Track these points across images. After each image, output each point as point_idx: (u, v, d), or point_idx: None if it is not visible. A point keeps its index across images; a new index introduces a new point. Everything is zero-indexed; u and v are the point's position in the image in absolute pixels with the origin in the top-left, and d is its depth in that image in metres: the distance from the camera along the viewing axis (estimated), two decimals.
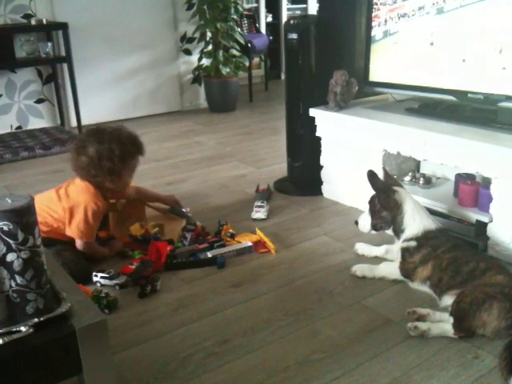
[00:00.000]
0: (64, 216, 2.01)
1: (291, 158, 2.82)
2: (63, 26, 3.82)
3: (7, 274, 0.99)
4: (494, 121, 2.07)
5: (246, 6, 5.79)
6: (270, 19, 6.16)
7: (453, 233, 2.02)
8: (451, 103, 2.25)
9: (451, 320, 1.56)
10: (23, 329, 0.99)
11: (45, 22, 3.85)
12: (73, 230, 2.00)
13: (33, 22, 3.87)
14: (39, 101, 4.22)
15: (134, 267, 1.95)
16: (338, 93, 2.46)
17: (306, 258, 2.08)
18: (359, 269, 1.93)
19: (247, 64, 4.81)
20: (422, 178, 2.33)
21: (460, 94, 2.17)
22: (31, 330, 0.99)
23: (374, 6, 2.42)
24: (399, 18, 2.34)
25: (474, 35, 2.08)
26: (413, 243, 1.85)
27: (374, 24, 2.44)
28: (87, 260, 2.01)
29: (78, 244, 2.01)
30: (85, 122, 4.08)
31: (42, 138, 3.79)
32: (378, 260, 2.00)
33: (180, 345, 1.58)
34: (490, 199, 1.97)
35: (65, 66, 4.02)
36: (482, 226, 2.02)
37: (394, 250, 1.96)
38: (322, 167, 2.67)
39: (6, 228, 0.96)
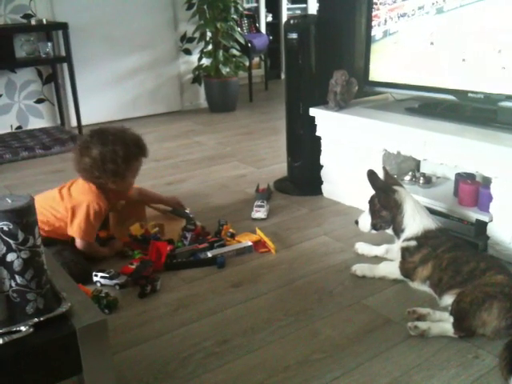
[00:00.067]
0: (66, 215, 2.01)
1: (291, 157, 2.83)
2: (63, 26, 3.82)
3: (7, 273, 1.00)
4: (494, 120, 2.07)
5: (246, 6, 5.79)
6: (270, 19, 6.16)
7: (453, 232, 2.02)
8: (451, 103, 2.25)
9: (451, 319, 1.56)
10: (23, 329, 0.99)
11: (45, 21, 3.85)
12: (74, 229, 2.00)
13: (33, 21, 3.87)
14: (39, 101, 4.22)
15: (134, 267, 1.95)
16: (338, 92, 2.46)
17: (306, 258, 2.08)
18: (359, 268, 1.93)
19: (247, 64, 4.81)
20: (422, 178, 2.33)
21: (460, 94, 2.17)
22: (31, 329, 1.00)
23: (374, 6, 2.42)
24: (399, 17, 2.34)
25: (474, 35, 2.08)
26: (413, 243, 1.85)
27: (373, 24, 2.44)
28: (87, 260, 2.01)
29: (78, 243, 2.01)
30: (85, 121, 4.09)
31: (42, 138, 3.79)
32: (378, 259, 2.00)
33: (180, 345, 1.58)
34: (490, 199, 1.97)
35: (65, 65, 4.02)
36: (482, 226, 2.02)
37: (394, 249, 1.96)
38: (322, 167, 2.67)
39: (6, 228, 0.96)
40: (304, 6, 6.31)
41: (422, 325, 1.58)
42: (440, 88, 2.23)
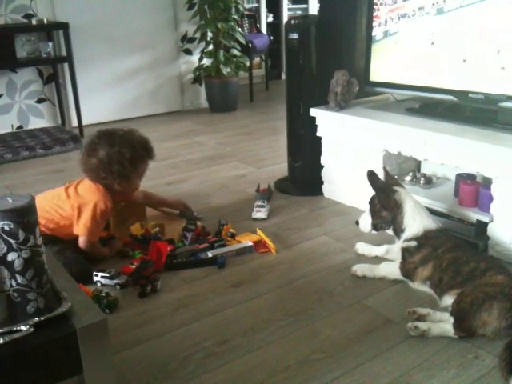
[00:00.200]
0: (71, 214, 2.01)
1: (292, 157, 2.83)
2: (64, 26, 3.82)
3: (8, 273, 1.00)
4: (494, 121, 2.07)
5: (247, 6, 5.79)
6: (270, 19, 6.16)
7: (453, 233, 2.02)
8: (452, 103, 2.25)
9: (451, 320, 1.56)
10: (24, 328, 0.99)
11: (46, 21, 3.85)
12: (80, 228, 2.00)
13: (34, 21, 3.87)
14: (40, 100, 4.22)
15: (134, 267, 1.95)
16: (339, 93, 2.46)
17: (307, 258, 2.08)
18: (359, 268, 1.93)
19: (248, 64, 4.81)
20: (422, 178, 2.33)
21: (460, 94, 2.17)
22: (32, 329, 1.00)
23: (375, 7, 2.42)
24: (399, 18, 2.35)
25: (474, 35, 2.08)
26: (413, 243, 1.85)
27: (374, 24, 2.44)
28: (88, 260, 2.01)
29: (81, 242, 2.01)
30: (85, 121, 4.09)
31: (43, 138, 3.79)
32: (378, 260, 2.00)
33: (180, 345, 1.58)
34: (491, 199, 1.97)
35: (65, 65, 4.02)
36: (482, 226, 2.02)
37: (395, 249, 1.96)
38: (322, 167, 2.67)
39: (6, 227, 0.96)
40: (305, 6, 6.31)
41: (422, 325, 1.58)
42: (440, 88, 2.23)
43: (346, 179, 2.54)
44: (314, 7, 6.21)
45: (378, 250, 2.05)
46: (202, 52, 4.67)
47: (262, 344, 1.57)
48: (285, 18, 6.00)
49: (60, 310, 1.04)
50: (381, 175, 2.03)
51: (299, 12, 6.22)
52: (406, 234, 1.89)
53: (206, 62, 4.69)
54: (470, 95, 2.13)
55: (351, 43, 2.73)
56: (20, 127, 4.15)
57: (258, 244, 2.17)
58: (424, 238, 1.84)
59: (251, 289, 1.88)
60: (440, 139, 2.07)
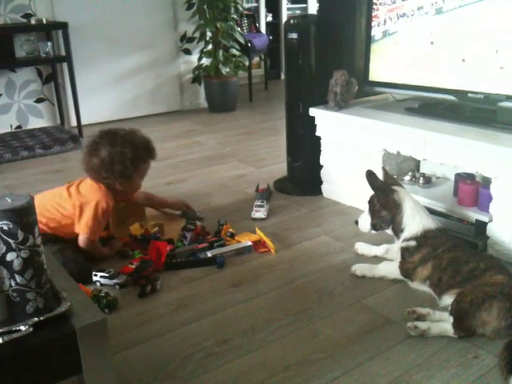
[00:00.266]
0: (73, 213, 2.01)
1: (291, 157, 2.82)
2: (63, 26, 3.82)
3: (7, 273, 0.99)
4: (493, 120, 2.07)
5: (246, 6, 5.79)
6: (269, 19, 6.16)
7: (452, 232, 2.02)
8: (451, 103, 2.25)
9: (451, 319, 1.56)
10: (23, 328, 0.99)
11: (45, 21, 3.85)
12: (82, 227, 2.00)
13: (33, 21, 3.87)
14: (39, 100, 4.22)
15: (133, 267, 1.94)
16: (338, 92, 2.46)
17: (306, 258, 2.08)
18: (359, 268, 1.93)
19: (247, 64, 4.81)
20: (421, 178, 2.33)
21: (460, 94, 2.17)
22: (31, 329, 0.99)
23: (374, 6, 2.42)
24: (398, 18, 2.35)
25: (473, 35, 2.08)
26: (412, 243, 1.85)
27: (373, 24, 2.44)
28: (87, 260, 2.01)
29: (82, 241, 2.01)
30: (85, 121, 4.09)
31: (42, 138, 3.79)
32: (377, 259, 2.00)
33: (180, 345, 1.58)
34: (490, 199, 1.97)
35: (65, 65, 4.02)
36: (481, 226, 2.02)
37: (394, 249, 1.96)
38: (321, 167, 2.67)
39: (5, 227, 0.96)
40: (304, 5, 6.31)
41: (422, 325, 1.58)
42: (440, 88, 2.23)
43: (345, 179, 2.54)
44: (313, 7, 6.21)
45: (378, 250, 2.05)
46: (202, 52, 4.66)
47: (262, 344, 1.57)
48: (284, 18, 6.00)
49: (59, 309, 1.04)
50: (380, 175, 2.03)
51: (298, 12, 6.22)
52: (406, 234, 1.89)
53: (206, 61, 4.68)
54: (469, 95, 2.13)
55: (350, 43, 2.73)
56: (19, 127, 4.15)
57: (258, 244, 2.17)
58: (423, 238, 1.84)
59: (251, 289, 1.88)
60: (439, 139, 2.07)
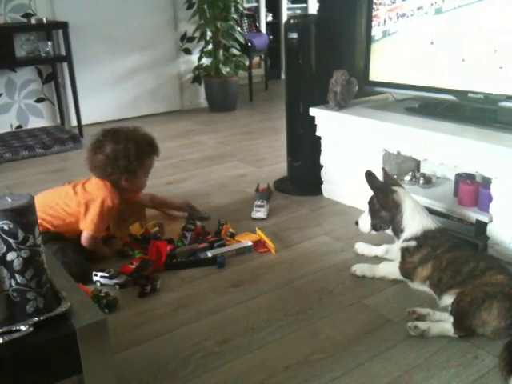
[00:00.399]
0: (77, 210, 2.02)
1: (291, 157, 2.82)
2: (63, 26, 3.82)
3: (7, 273, 0.99)
4: (494, 120, 2.07)
5: (246, 6, 5.79)
6: (270, 18, 6.16)
7: (453, 232, 2.02)
8: (451, 103, 2.25)
9: (451, 319, 1.56)
10: (23, 328, 0.99)
11: (45, 21, 3.85)
12: (87, 223, 2.01)
13: (33, 21, 3.86)
14: (39, 100, 4.22)
15: (133, 267, 1.94)
16: (339, 92, 2.46)
17: (306, 258, 2.08)
18: (359, 268, 1.93)
19: (247, 63, 4.81)
20: (422, 178, 2.33)
21: (460, 94, 2.17)
22: (31, 329, 0.99)
23: (374, 6, 2.42)
24: (398, 18, 2.35)
25: (472, 35, 2.08)
26: (412, 243, 1.85)
27: (373, 24, 2.44)
28: (87, 259, 2.01)
29: (85, 238, 2.02)
30: (85, 121, 4.09)
31: (42, 138, 3.79)
32: (377, 260, 2.00)
33: (180, 344, 1.58)
34: (490, 199, 1.97)
35: (65, 65, 4.02)
36: (481, 226, 2.02)
37: (394, 249, 1.96)
38: (322, 167, 2.67)
39: (6, 227, 0.96)
40: (304, 5, 6.31)
41: (422, 325, 1.58)
42: (440, 88, 2.23)
43: (345, 179, 2.54)
44: (313, 7, 6.21)
45: (378, 250, 2.05)
46: (202, 51, 4.66)
47: (262, 344, 1.57)
48: (284, 18, 6.01)
49: (59, 309, 1.04)
50: (380, 175, 2.03)
51: (298, 11, 6.22)
52: (406, 234, 1.89)
53: (206, 61, 4.69)
54: (469, 95, 2.13)
55: (351, 43, 2.73)
56: (19, 127, 4.15)
57: (258, 244, 2.16)
58: (423, 238, 1.84)
59: (251, 289, 1.88)
60: (439, 139, 2.07)
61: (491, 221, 1.99)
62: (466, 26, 2.11)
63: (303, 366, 1.48)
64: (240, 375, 1.45)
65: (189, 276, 1.97)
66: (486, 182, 2.06)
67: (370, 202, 1.99)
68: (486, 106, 2.11)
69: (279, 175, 2.96)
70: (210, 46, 4.65)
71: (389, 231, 1.98)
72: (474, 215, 2.04)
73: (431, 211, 2.03)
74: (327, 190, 2.68)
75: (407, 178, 2.37)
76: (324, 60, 2.61)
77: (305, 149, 2.75)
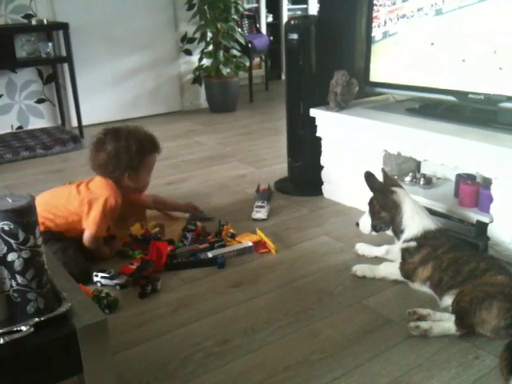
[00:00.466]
0: (80, 209, 2.03)
1: (291, 158, 2.83)
2: (64, 26, 3.82)
3: (8, 273, 1.00)
4: (494, 121, 2.07)
5: (247, 6, 5.79)
6: (270, 19, 6.16)
7: (453, 233, 2.02)
8: (452, 103, 2.25)
9: (453, 318, 1.56)
10: (24, 328, 0.99)
11: (45, 22, 3.85)
12: (90, 222, 2.02)
13: (33, 22, 3.87)
14: (40, 101, 4.22)
15: (134, 267, 1.95)
16: (339, 93, 2.46)
17: (307, 258, 2.08)
18: (359, 269, 1.93)
19: (247, 64, 4.81)
20: (422, 179, 2.33)
21: (460, 95, 2.17)
22: (32, 329, 1.00)
23: (374, 7, 2.42)
24: (398, 19, 2.35)
25: (472, 36, 2.09)
26: (413, 244, 1.85)
27: (373, 25, 2.44)
28: (88, 260, 2.01)
29: (87, 237, 2.03)
30: (85, 122, 4.09)
31: (43, 138, 3.79)
32: (378, 260, 2.00)
33: (180, 345, 1.58)
34: (491, 199, 1.97)
35: (65, 66, 4.02)
36: (482, 227, 2.02)
37: (395, 250, 1.96)
38: (322, 167, 2.67)
39: (6, 228, 0.96)
40: (304, 6, 6.32)
41: (424, 324, 1.58)
42: (440, 89, 2.23)
43: (345, 179, 2.54)
44: (313, 7, 6.21)
45: (378, 251, 2.05)
46: (202, 52, 4.67)
47: (262, 344, 1.57)
48: (284, 19, 6.01)
49: (60, 310, 1.04)
50: (380, 176, 2.03)
51: (299, 12, 6.23)
52: (406, 235, 1.89)
53: (206, 62, 4.69)
54: (469, 96, 2.13)
55: (351, 43, 2.73)
56: (20, 127, 4.15)
57: (258, 244, 2.17)
58: (423, 239, 1.84)
59: (251, 289, 1.88)
60: (440, 139, 2.07)
61: (492, 221, 1.99)
62: (466, 26, 2.11)
63: (303, 366, 1.48)
64: (240, 375, 1.45)
65: (189, 276, 1.97)
66: (487, 182, 2.06)
67: (370, 203, 1.99)
68: (486, 107, 2.11)
69: (279, 176, 2.96)
70: (211, 47, 4.65)
71: (389, 232, 1.98)
72: (475, 216, 2.04)
73: (432, 212, 2.03)
74: (327, 190, 2.68)
75: (408, 178, 2.37)
76: (324, 61, 2.61)
77: (305, 149, 2.75)
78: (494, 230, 1.98)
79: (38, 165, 3.41)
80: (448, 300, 1.65)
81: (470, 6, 2.07)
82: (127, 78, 4.51)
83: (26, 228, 0.98)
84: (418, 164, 2.52)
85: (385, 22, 2.40)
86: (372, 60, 2.48)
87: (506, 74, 1.99)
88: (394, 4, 2.35)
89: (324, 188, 2.70)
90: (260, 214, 2.43)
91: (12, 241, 0.97)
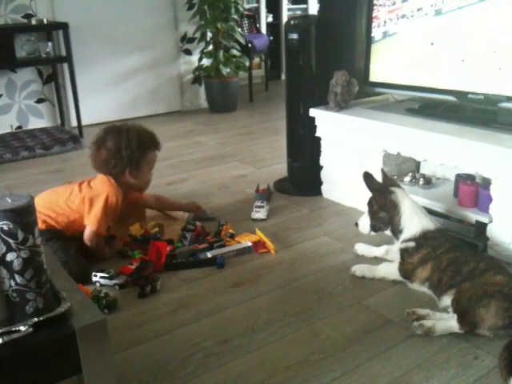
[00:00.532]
0: (82, 207, 2.04)
1: (291, 158, 2.82)
2: (64, 26, 3.82)
3: (7, 273, 0.99)
4: (494, 121, 2.07)
5: (247, 6, 5.79)
6: (270, 19, 6.16)
7: (452, 233, 2.02)
8: (451, 103, 2.25)
9: (455, 316, 1.56)
10: (23, 328, 0.99)
11: (45, 21, 3.85)
12: (91, 219, 2.03)
13: (33, 21, 3.87)
14: (39, 101, 4.22)
15: (133, 267, 1.95)
16: (339, 93, 2.46)
17: (306, 258, 2.08)
18: (359, 269, 1.93)
19: (247, 64, 4.81)
20: (421, 179, 2.33)
21: (460, 95, 2.17)
22: (31, 329, 0.99)
23: (374, 7, 2.42)
24: (398, 19, 2.35)
25: (472, 36, 2.09)
26: (411, 244, 1.85)
27: (373, 25, 2.44)
28: (88, 259, 2.01)
29: (88, 235, 2.03)
30: (85, 122, 4.09)
31: (42, 138, 3.79)
32: (377, 260, 2.00)
33: (180, 345, 1.58)
34: (490, 200, 1.97)
35: (65, 65, 4.02)
36: (481, 227, 2.02)
37: (394, 250, 1.96)
38: (321, 167, 2.67)
39: (5, 227, 0.96)
40: (304, 6, 6.32)
41: (427, 322, 1.58)
42: (440, 89, 2.23)
43: (345, 180, 2.54)
44: (313, 7, 6.21)
45: (378, 251, 2.05)
46: (202, 52, 4.67)
47: (262, 344, 1.57)
48: (284, 19, 6.00)
49: (59, 310, 1.04)
50: (380, 177, 2.03)
51: (299, 12, 6.23)
52: (404, 235, 1.88)
53: (206, 62, 4.69)
54: (469, 96, 2.13)
55: (351, 43, 2.73)
56: (19, 127, 4.15)
57: (258, 244, 2.16)
58: (422, 239, 1.84)
59: (251, 289, 1.88)
60: (439, 139, 2.07)
61: (491, 221, 1.99)
62: (465, 26, 2.11)
63: (303, 366, 1.48)
64: (240, 375, 1.45)
65: (189, 276, 1.97)
66: (486, 182, 2.06)
67: (369, 203, 1.99)
68: (485, 107, 2.11)
69: (279, 176, 2.96)
70: (211, 47, 4.65)
71: (388, 232, 1.98)
72: (474, 216, 2.04)
73: (431, 212, 2.03)
74: (327, 190, 2.68)
75: (407, 178, 2.37)
76: (324, 61, 2.61)
77: (305, 149, 2.75)
78: (493, 231, 1.98)
79: (38, 165, 3.41)
80: (447, 300, 1.65)
81: (470, 6, 2.07)
82: (127, 78, 4.51)
83: (25, 228, 0.98)
84: (418, 164, 2.52)
85: (385, 22, 2.40)
86: (372, 60, 2.48)
87: (506, 74, 1.99)
88: (393, 4, 2.35)
89: (323, 188, 2.70)
90: (259, 214, 2.43)
91: (11, 240, 0.97)
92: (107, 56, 4.37)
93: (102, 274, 1.89)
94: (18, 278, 0.99)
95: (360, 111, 2.48)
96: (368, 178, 1.96)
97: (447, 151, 2.06)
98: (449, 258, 1.74)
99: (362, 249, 2.08)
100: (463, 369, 1.45)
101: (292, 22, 2.64)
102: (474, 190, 2.07)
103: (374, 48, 2.47)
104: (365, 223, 2.00)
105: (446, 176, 2.40)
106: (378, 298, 1.80)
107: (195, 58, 4.76)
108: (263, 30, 5.99)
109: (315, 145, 2.64)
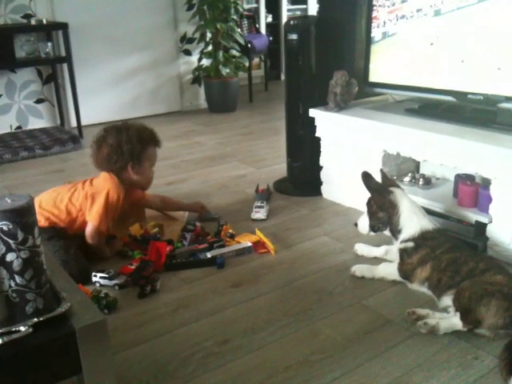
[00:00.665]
0: (84, 204, 2.05)
1: (291, 158, 2.83)
2: (63, 26, 3.82)
3: (7, 273, 0.99)
4: (493, 122, 2.07)
5: (246, 7, 5.79)
6: (269, 20, 6.16)
7: (452, 233, 2.02)
8: (451, 104, 2.25)
9: (458, 314, 1.56)
10: (22, 329, 0.99)
11: (45, 22, 3.85)
12: (93, 215, 2.04)
13: (33, 22, 3.87)
14: (39, 101, 4.22)
15: (133, 267, 1.94)
16: (338, 93, 2.46)
17: (306, 258, 2.08)
18: (358, 269, 1.93)
19: (247, 64, 4.81)
20: (421, 179, 2.33)
21: (460, 95, 2.17)
22: (30, 329, 0.99)
23: (373, 8, 2.42)
24: (398, 19, 2.35)
25: (471, 36, 2.09)
26: (410, 244, 1.85)
27: (373, 25, 2.44)
28: (88, 259, 2.01)
29: (89, 232, 2.04)
30: (85, 122, 4.09)
31: (42, 138, 3.79)
32: (377, 260, 2.00)
33: (180, 345, 1.58)
34: (490, 200, 1.97)
35: (65, 66, 4.01)
36: (481, 227, 2.02)
37: (394, 250, 1.96)
38: (321, 168, 2.67)
39: (5, 228, 0.96)
40: (304, 6, 6.31)
41: (431, 321, 1.58)
42: (440, 89, 2.23)
43: (345, 180, 2.54)
44: (313, 8, 6.21)
45: (377, 251, 2.05)
46: (202, 52, 4.67)
47: (262, 344, 1.57)
48: (284, 19, 6.00)
49: (59, 310, 1.04)
50: (379, 177, 2.03)
51: (298, 12, 6.23)
52: (403, 235, 1.88)
53: (206, 62, 4.69)
54: (469, 96, 2.13)
55: (350, 44, 2.73)
56: (19, 127, 4.15)
57: (257, 244, 2.16)
58: (421, 239, 1.84)
59: (251, 289, 1.88)
60: (439, 140, 2.07)
61: (491, 222, 1.99)
62: (465, 27, 2.11)
63: (303, 366, 1.48)
64: (240, 375, 1.45)
65: (189, 276, 1.97)
66: (486, 182, 2.06)
67: (368, 203, 1.99)
68: (485, 107, 2.11)
69: (279, 176, 2.96)
70: (210, 47, 4.65)
71: (387, 232, 1.98)
72: (474, 216, 2.04)
73: (431, 212, 2.03)
74: (327, 190, 2.68)
75: (407, 178, 2.37)
76: (324, 61, 2.61)
77: (304, 150, 2.75)
78: (493, 231, 1.98)
79: (38, 165, 3.41)
80: (447, 300, 1.66)
81: (469, 6, 2.07)
82: (127, 78, 4.51)
83: (24, 228, 0.98)
84: (417, 164, 2.52)
85: (384, 23, 2.41)
86: (371, 60, 2.49)
87: (505, 75, 2.00)
88: (393, 5, 2.35)
89: (323, 188, 2.70)
90: (259, 214, 2.43)
91: (11, 241, 0.97)
92: (107, 56, 4.36)
93: (102, 275, 1.89)
94: (17, 279, 0.99)
95: (360, 111, 2.49)
96: (367, 178, 1.96)
97: (447, 151, 2.06)
98: (448, 258, 1.74)
99: (361, 249, 2.08)
100: (463, 369, 1.45)
101: (291, 23, 2.64)
102: (473, 190, 2.07)
103: (374, 48, 2.47)
104: (364, 223, 2.00)
105: (446, 176, 2.40)
106: (378, 298, 1.80)
107: (195, 58, 4.75)
108: (263, 30, 5.99)
109: (315, 145, 2.64)
